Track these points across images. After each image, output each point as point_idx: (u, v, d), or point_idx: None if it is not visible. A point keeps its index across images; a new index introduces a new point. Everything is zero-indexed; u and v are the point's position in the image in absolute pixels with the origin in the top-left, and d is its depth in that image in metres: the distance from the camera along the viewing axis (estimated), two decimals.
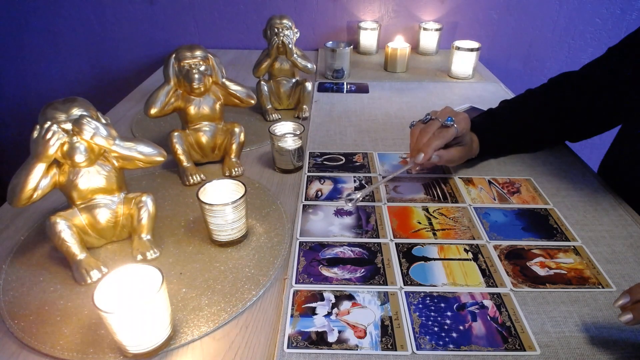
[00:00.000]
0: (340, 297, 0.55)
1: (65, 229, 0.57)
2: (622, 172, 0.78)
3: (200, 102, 0.78)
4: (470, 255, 0.62)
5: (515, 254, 0.62)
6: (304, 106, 1.05)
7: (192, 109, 0.78)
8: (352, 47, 1.28)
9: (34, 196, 0.56)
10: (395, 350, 0.48)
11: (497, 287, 0.57)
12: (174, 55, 0.75)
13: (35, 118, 0.54)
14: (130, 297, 0.48)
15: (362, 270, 0.59)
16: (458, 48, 1.27)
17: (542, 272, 0.59)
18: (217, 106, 0.80)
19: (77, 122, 0.54)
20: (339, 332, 0.50)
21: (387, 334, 0.50)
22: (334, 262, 0.61)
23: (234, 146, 0.82)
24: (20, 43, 1.60)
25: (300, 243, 0.64)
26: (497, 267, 0.60)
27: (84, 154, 0.56)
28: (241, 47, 1.62)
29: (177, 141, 0.78)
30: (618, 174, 0.79)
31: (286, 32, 0.98)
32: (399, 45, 1.32)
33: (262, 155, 0.89)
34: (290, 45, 0.98)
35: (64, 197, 0.60)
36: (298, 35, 1.02)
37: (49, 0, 1.52)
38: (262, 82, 1.04)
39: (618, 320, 0.47)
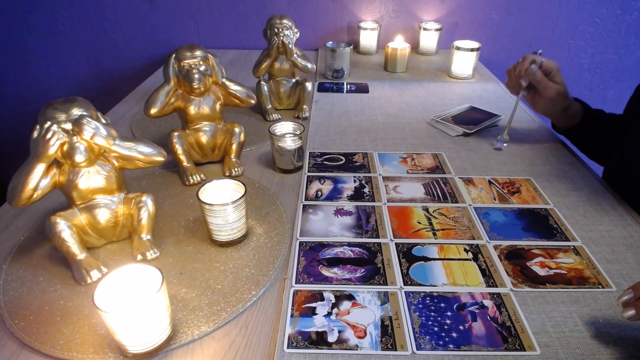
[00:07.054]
0: (340, 297, 0.55)
1: (65, 229, 0.57)
2: (623, 172, 0.78)
3: (200, 102, 0.78)
4: (470, 255, 0.62)
5: (515, 254, 0.62)
6: (304, 106, 1.05)
7: (192, 109, 0.78)
8: (352, 47, 1.28)
9: (34, 196, 0.56)
10: (395, 350, 0.48)
11: (497, 287, 0.57)
12: (174, 55, 0.75)
13: (35, 118, 0.54)
14: (130, 297, 0.48)
15: (362, 270, 0.59)
16: (458, 48, 1.27)
17: (542, 272, 0.59)
18: (217, 106, 0.80)
19: (77, 122, 0.54)
20: (339, 332, 0.50)
21: (387, 334, 0.50)
22: (334, 262, 0.61)
23: (234, 146, 0.82)
24: (20, 43, 1.60)
25: (300, 243, 0.64)
26: (497, 267, 0.60)
27: (84, 154, 0.56)
28: (241, 47, 1.62)
29: (177, 141, 0.78)
30: (619, 174, 0.79)
31: (286, 32, 0.98)
32: (399, 45, 1.33)
33: (262, 155, 0.89)
34: (290, 45, 0.98)
35: (64, 197, 0.60)
36: (298, 35, 1.02)
37: (49, 0, 1.52)
38: (262, 82, 1.04)
39: (621, 317, 0.46)
